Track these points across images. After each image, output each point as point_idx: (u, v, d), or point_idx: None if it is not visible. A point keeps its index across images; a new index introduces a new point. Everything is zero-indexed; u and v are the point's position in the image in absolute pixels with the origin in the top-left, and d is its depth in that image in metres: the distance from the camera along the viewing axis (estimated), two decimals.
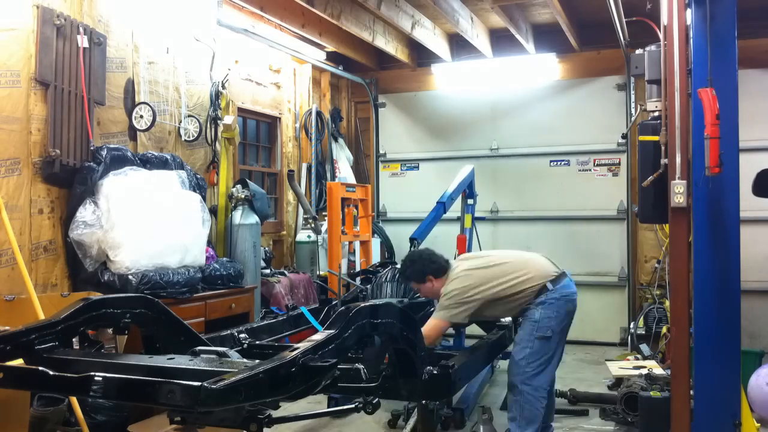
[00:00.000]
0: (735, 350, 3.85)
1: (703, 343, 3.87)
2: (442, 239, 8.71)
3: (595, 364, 6.94)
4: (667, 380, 4.59)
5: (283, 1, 6.71)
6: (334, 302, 5.06)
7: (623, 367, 5.88)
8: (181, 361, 2.41)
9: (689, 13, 3.90)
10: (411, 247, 5.67)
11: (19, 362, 2.47)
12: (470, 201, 6.96)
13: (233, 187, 6.41)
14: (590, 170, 8.27)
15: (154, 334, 2.95)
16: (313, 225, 7.25)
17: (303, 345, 2.38)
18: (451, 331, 7.16)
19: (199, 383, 1.91)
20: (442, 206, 6.11)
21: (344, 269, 7.05)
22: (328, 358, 2.39)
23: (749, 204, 4.59)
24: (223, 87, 6.45)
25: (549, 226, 8.44)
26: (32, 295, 3.93)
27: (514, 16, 7.44)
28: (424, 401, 4.13)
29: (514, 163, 8.52)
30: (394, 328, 2.92)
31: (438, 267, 4.30)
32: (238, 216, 6.22)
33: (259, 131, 7.82)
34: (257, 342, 3.76)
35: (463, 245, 6.67)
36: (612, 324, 8.04)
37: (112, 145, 5.09)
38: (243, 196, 6.26)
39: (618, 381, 5.62)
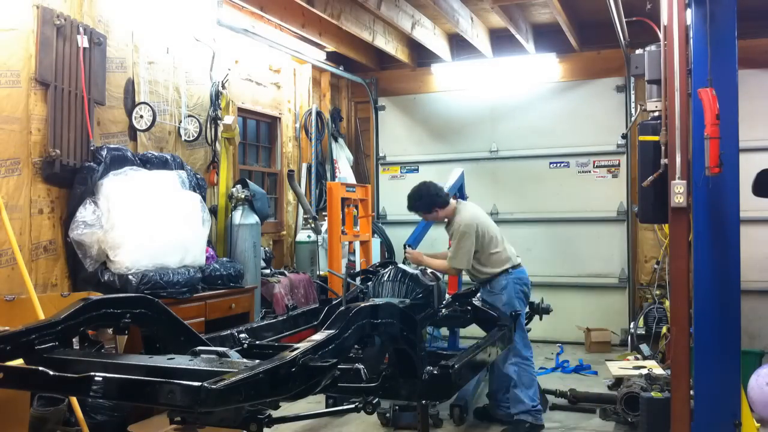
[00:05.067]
0: (735, 350, 3.85)
1: (703, 343, 3.87)
2: (441, 242, 8.75)
3: (595, 364, 6.94)
4: (667, 380, 4.59)
5: (283, 1, 6.71)
6: (335, 302, 5.03)
7: (623, 367, 5.88)
8: (181, 361, 2.41)
9: (689, 13, 3.90)
10: (405, 252, 5.73)
11: (19, 362, 2.47)
12: None
13: (233, 187, 6.41)
14: (590, 172, 8.27)
15: (154, 334, 2.95)
16: (313, 225, 7.25)
17: (303, 345, 2.38)
18: (446, 332, 7.24)
19: (199, 383, 1.91)
20: None
21: (343, 269, 7.03)
22: (328, 358, 2.39)
23: (749, 204, 4.59)
24: (223, 87, 6.45)
25: (549, 228, 8.44)
26: (32, 295, 3.93)
27: (514, 16, 7.44)
28: (424, 401, 4.13)
29: (513, 165, 8.52)
30: (394, 328, 2.92)
31: (443, 201, 5.10)
32: (238, 216, 6.22)
33: (259, 131, 7.82)
34: (257, 342, 3.75)
35: None
36: (612, 325, 8.04)
37: (112, 145, 5.09)
38: (243, 196, 6.26)
39: (618, 381, 5.62)
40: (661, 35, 4.10)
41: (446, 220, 5.20)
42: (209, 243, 5.64)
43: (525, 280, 5.10)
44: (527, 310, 5.05)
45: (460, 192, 7.03)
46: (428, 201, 5.09)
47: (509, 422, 4.96)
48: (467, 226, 4.96)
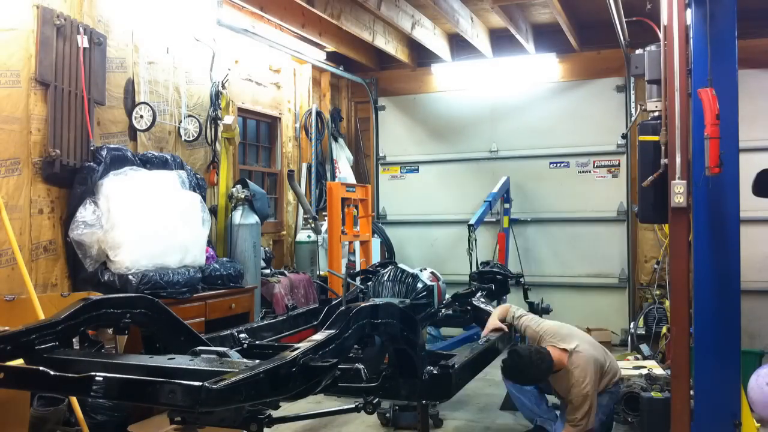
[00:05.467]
0: (735, 350, 3.85)
1: (703, 343, 3.87)
2: (441, 240, 8.77)
3: None
4: (667, 380, 4.59)
5: (283, 1, 6.71)
6: (335, 302, 5.04)
7: (623, 367, 5.86)
8: (182, 361, 2.41)
9: (689, 13, 3.90)
10: (469, 232, 6.44)
11: (19, 362, 2.47)
12: (507, 205, 7.82)
13: (233, 187, 6.41)
14: (590, 172, 8.27)
15: (154, 334, 2.95)
16: (313, 225, 7.25)
17: (303, 345, 2.38)
18: (447, 332, 7.31)
19: (200, 383, 1.91)
20: (488, 204, 7.23)
21: (343, 269, 7.05)
22: (329, 358, 2.40)
23: (749, 204, 4.59)
24: (223, 87, 6.45)
25: (549, 227, 8.44)
26: (32, 295, 3.93)
27: (514, 16, 7.44)
28: (424, 401, 4.13)
29: (513, 165, 8.51)
30: (395, 328, 2.92)
31: (549, 365, 4.20)
32: (238, 216, 6.22)
33: (259, 131, 7.82)
34: (257, 342, 3.76)
35: (503, 241, 7.75)
36: (612, 325, 8.04)
37: (112, 145, 5.09)
38: (243, 196, 6.26)
39: None
40: (661, 35, 4.10)
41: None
42: (209, 243, 5.63)
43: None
44: None
45: (506, 194, 7.76)
46: (538, 373, 4.24)
47: None
48: (585, 373, 4.16)
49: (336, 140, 8.70)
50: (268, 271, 6.68)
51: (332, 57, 8.40)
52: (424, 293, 4.83)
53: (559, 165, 8.38)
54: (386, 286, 4.93)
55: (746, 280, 4.13)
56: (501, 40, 8.40)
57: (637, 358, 6.42)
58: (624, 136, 7.71)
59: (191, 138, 6.05)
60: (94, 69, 4.96)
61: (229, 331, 3.82)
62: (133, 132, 5.50)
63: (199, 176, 5.82)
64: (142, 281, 4.63)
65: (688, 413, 3.88)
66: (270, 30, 7.13)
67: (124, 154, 5.07)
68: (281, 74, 7.80)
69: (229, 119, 6.45)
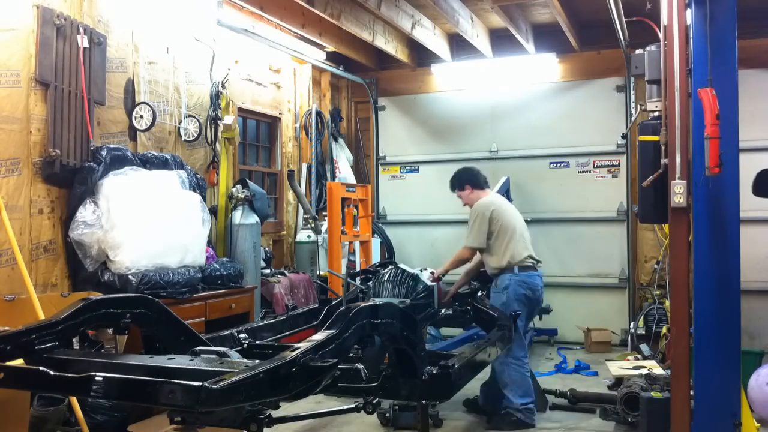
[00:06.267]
0: (735, 350, 3.85)
1: (703, 343, 3.87)
2: (441, 240, 8.76)
3: (595, 364, 6.94)
4: (667, 380, 4.59)
5: (283, 1, 6.71)
6: (335, 302, 5.04)
7: (623, 367, 5.88)
8: (182, 361, 2.42)
9: (689, 13, 3.90)
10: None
11: (19, 362, 2.47)
12: None
13: (233, 187, 6.41)
14: (590, 172, 8.27)
15: (154, 334, 2.96)
16: (313, 225, 7.25)
17: (303, 345, 2.38)
18: (447, 332, 7.28)
19: (200, 383, 1.91)
20: None
21: (343, 269, 7.05)
22: (329, 358, 2.40)
23: (749, 204, 4.59)
24: (223, 87, 6.45)
25: (549, 227, 8.43)
26: (32, 295, 3.92)
27: (514, 16, 7.44)
28: (424, 401, 4.13)
29: (513, 165, 8.51)
30: (395, 328, 2.92)
31: (477, 182, 5.42)
32: (238, 216, 6.22)
33: (259, 131, 7.82)
34: (257, 342, 3.76)
35: None
36: (612, 325, 8.04)
37: (112, 145, 5.09)
38: (243, 196, 6.26)
39: (618, 381, 5.62)
40: (661, 35, 4.10)
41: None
42: (209, 243, 5.64)
43: (532, 284, 5.13)
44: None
45: (507, 195, 7.55)
46: (464, 177, 5.45)
47: (495, 414, 5.06)
48: (480, 206, 5.19)
49: (336, 140, 8.70)
50: (268, 271, 6.68)
51: (332, 57, 8.40)
52: (424, 293, 4.83)
53: (559, 165, 8.38)
54: (386, 286, 4.93)
55: (746, 280, 4.13)
56: (501, 40, 8.40)
57: (637, 358, 6.42)
58: (624, 136, 7.71)
59: (191, 138, 6.05)
60: (94, 69, 4.96)
61: (229, 331, 3.82)
62: (133, 132, 5.50)
63: (199, 176, 5.82)
64: (142, 281, 4.63)
65: (688, 413, 3.88)
66: (270, 30, 7.13)
67: (124, 154, 5.07)
68: (281, 74, 7.80)
69: (229, 119, 6.45)
